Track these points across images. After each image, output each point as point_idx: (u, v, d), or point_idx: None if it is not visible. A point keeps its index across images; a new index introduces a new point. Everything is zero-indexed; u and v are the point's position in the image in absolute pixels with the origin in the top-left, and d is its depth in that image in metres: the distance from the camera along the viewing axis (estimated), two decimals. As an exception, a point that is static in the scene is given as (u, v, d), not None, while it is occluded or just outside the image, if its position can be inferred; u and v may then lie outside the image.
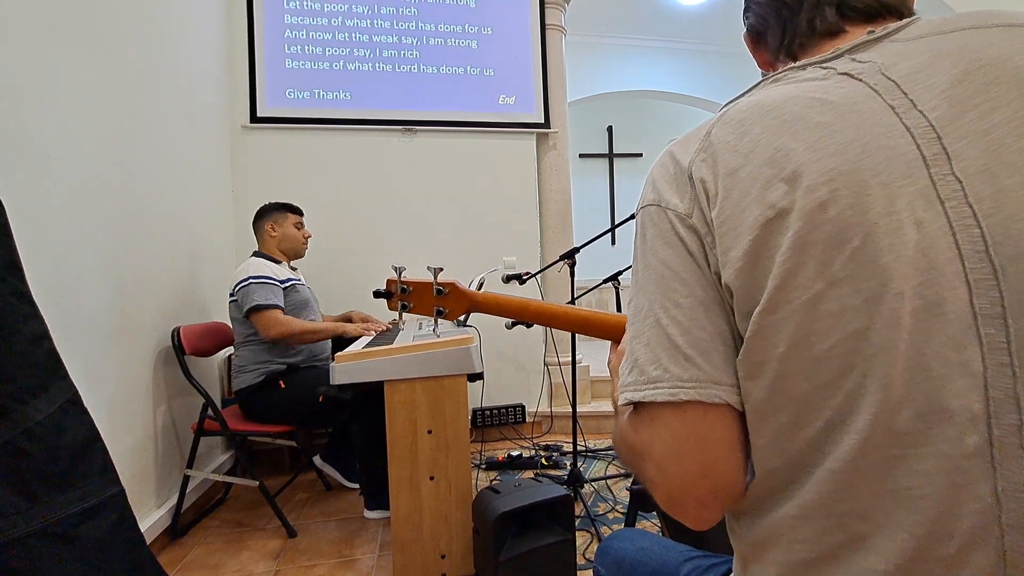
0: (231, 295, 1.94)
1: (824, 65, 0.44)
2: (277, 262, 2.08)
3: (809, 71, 0.45)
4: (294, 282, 2.04)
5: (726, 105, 0.47)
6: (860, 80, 0.41)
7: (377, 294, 0.83)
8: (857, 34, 0.47)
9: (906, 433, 0.35)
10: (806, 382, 0.38)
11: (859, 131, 0.38)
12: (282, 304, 1.93)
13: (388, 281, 0.83)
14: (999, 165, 0.36)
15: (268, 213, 2.10)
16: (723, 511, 0.42)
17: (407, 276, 0.83)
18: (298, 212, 2.15)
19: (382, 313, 2.48)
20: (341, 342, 1.96)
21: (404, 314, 0.84)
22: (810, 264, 0.37)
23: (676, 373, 0.41)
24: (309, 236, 2.19)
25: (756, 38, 0.56)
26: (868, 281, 0.36)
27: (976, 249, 0.35)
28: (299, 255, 2.18)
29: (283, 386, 1.90)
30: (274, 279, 1.95)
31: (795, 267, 0.37)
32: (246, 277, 1.91)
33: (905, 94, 0.39)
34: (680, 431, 0.41)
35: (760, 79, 0.49)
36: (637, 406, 0.44)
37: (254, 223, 2.12)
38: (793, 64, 0.47)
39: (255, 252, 2.09)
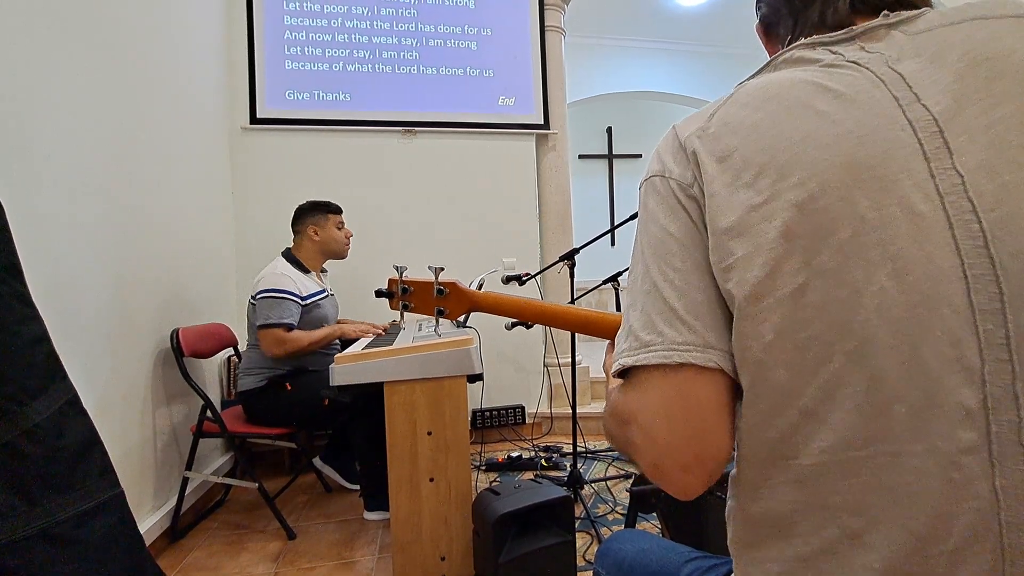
0: (252, 297, 1.93)
1: (834, 48, 0.44)
2: (306, 271, 2.04)
3: (819, 52, 0.45)
4: (317, 298, 2.01)
5: (738, 86, 0.48)
6: (867, 69, 0.41)
7: (379, 293, 0.84)
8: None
9: (900, 429, 0.35)
10: (785, 371, 0.38)
11: (859, 123, 0.38)
12: (294, 321, 1.90)
13: (390, 281, 0.84)
14: (1001, 161, 0.36)
15: (309, 214, 2.05)
16: (708, 479, 0.41)
17: (408, 276, 0.83)
18: (337, 211, 2.10)
19: (376, 318, 2.48)
20: (348, 344, 1.95)
21: (405, 314, 0.84)
22: (796, 254, 0.37)
23: (671, 336, 0.40)
24: (351, 235, 2.14)
25: (767, 29, 0.56)
26: (854, 273, 0.36)
27: (975, 244, 0.35)
28: (341, 256, 2.14)
29: (289, 388, 1.89)
30: (294, 295, 1.91)
31: (781, 256, 0.38)
32: (268, 289, 1.88)
33: (910, 87, 0.39)
34: (669, 393, 0.40)
35: (770, 59, 0.49)
36: (628, 374, 0.43)
37: (293, 223, 2.07)
38: (804, 40, 0.47)
39: (286, 252, 2.05)
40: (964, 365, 0.34)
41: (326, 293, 2.09)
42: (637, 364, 0.41)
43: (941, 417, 0.34)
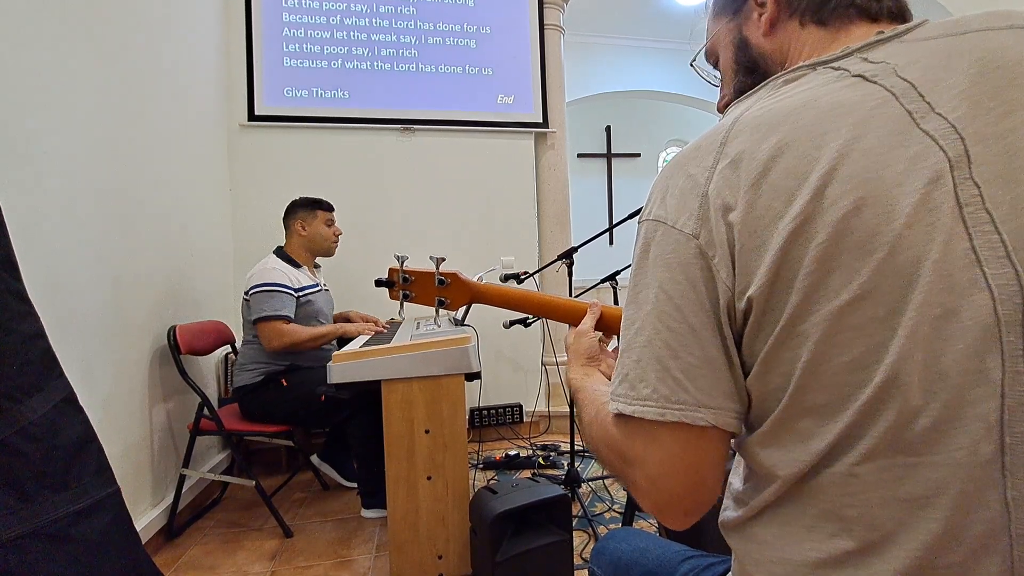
0: (244, 294, 1.93)
1: (835, 66, 0.43)
2: (297, 265, 2.05)
3: (820, 71, 0.43)
4: (310, 292, 2.01)
5: (734, 106, 0.46)
6: (875, 83, 0.40)
7: (379, 283, 0.83)
8: (882, 27, 0.46)
9: (921, 442, 0.35)
10: (824, 394, 0.38)
11: (880, 139, 0.37)
12: (290, 314, 1.90)
13: (390, 270, 0.83)
14: (1015, 170, 0.36)
15: (297, 210, 2.07)
16: (700, 516, 0.45)
17: (409, 266, 0.82)
18: (328, 208, 2.11)
19: (380, 313, 2.47)
20: (346, 341, 1.95)
21: (404, 306, 0.83)
22: (835, 275, 0.37)
23: (664, 394, 0.42)
24: (340, 234, 2.15)
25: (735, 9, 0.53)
26: (892, 293, 0.36)
27: (997, 255, 0.35)
28: (329, 254, 2.15)
29: (284, 384, 1.89)
30: (287, 288, 1.92)
31: (819, 279, 0.37)
32: (260, 284, 1.89)
33: (922, 96, 0.38)
34: (675, 452, 0.43)
35: (768, 79, 0.47)
36: (626, 415, 0.45)
37: (284, 218, 2.09)
38: (802, 63, 0.45)
39: (277, 249, 2.06)
40: (987, 378, 0.34)
41: (319, 287, 2.09)
42: (634, 415, 0.43)
43: (963, 429, 0.34)
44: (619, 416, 0.46)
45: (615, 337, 0.75)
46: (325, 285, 2.18)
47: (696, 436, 0.42)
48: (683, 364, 0.42)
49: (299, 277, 2.01)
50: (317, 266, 2.18)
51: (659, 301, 0.43)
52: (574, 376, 0.64)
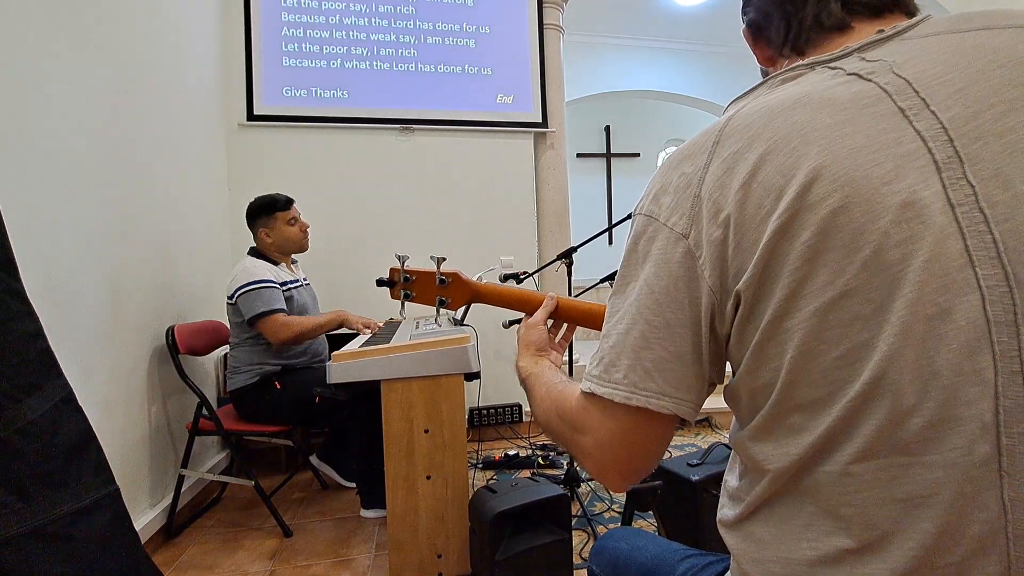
0: (228, 298, 1.89)
1: (832, 65, 0.43)
2: (275, 263, 2.01)
3: (817, 71, 0.44)
4: (292, 287, 1.98)
5: (731, 105, 0.47)
6: (870, 80, 0.40)
7: (380, 282, 0.84)
8: (865, 30, 0.46)
9: (915, 441, 0.35)
10: (813, 390, 0.38)
11: (869, 137, 0.37)
12: (284, 307, 1.88)
13: (391, 270, 0.83)
14: (1014, 169, 0.36)
15: (256, 216, 1.99)
16: (635, 483, 0.50)
17: (410, 266, 0.83)
18: (285, 207, 2.00)
19: (378, 314, 2.47)
20: (339, 342, 1.94)
21: (405, 305, 0.84)
22: (821, 272, 0.37)
23: (634, 381, 0.45)
24: (307, 227, 2.07)
25: (756, 33, 0.55)
26: (879, 290, 0.36)
27: (989, 255, 0.35)
28: (302, 249, 2.08)
29: (279, 387, 1.89)
30: (273, 282, 1.89)
31: (806, 275, 0.37)
32: (245, 283, 1.84)
33: (917, 93, 0.38)
34: (628, 427, 0.46)
35: (766, 77, 0.48)
36: (596, 395, 0.48)
37: (248, 223, 2.02)
38: (801, 61, 0.46)
39: (251, 250, 2.00)
40: (980, 378, 0.34)
41: (300, 283, 2.06)
42: (604, 396, 0.46)
43: (958, 429, 0.34)
44: (587, 394, 0.48)
45: (564, 325, 0.79)
46: (306, 280, 2.15)
47: (653, 419, 0.45)
48: (655, 356, 0.44)
49: (280, 273, 1.98)
50: (294, 261, 2.14)
51: (641, 294, 0.45)
52: (524, 364, 0.70)
